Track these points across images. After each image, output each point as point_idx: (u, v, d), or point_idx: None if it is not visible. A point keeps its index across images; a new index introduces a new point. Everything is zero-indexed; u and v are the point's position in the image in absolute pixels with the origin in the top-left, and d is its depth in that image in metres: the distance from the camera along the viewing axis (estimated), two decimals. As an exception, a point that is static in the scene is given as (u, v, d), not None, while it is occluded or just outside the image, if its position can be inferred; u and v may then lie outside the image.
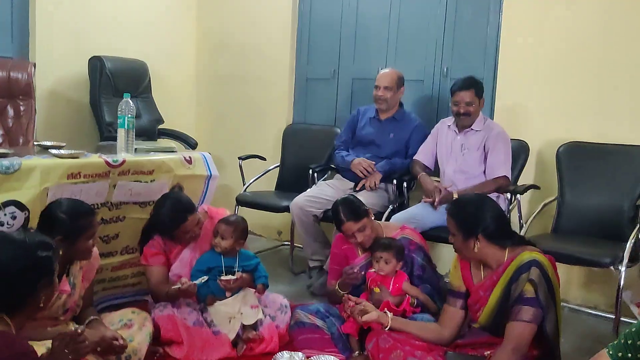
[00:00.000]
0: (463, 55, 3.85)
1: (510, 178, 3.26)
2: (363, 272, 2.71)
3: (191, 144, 4.51)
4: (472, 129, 3.33)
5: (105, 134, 4.13)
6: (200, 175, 3.18)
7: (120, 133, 2.91)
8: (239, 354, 2.52)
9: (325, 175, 3.98)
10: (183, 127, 4.75)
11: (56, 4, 4.08)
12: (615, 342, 1.74)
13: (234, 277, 2.59)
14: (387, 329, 2.33)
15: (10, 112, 3.72)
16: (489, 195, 3.08)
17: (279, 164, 4.32)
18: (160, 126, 4.59)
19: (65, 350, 1.67)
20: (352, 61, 4.35)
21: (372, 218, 2.80)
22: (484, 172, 3.28)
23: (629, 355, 1.69)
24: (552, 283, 2.12)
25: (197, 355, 2.45)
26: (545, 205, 3.27)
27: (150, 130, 4.51)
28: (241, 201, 3.96)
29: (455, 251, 2.31)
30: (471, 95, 3.23)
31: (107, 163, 2.71)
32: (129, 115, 2.93)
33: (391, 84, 3.62)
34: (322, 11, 4.46)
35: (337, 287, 2.75)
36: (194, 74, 5.10)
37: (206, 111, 5.11)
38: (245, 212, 3.75)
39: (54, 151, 2.65)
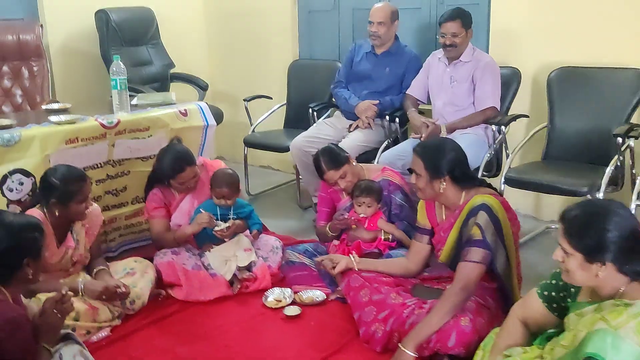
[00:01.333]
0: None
1: (498, 108, 3.28)
2: (347, 214, 2.89)
3: (202, 86, 4.66)
4: (460, 61, 3.33)
5: (119, 84, 4.33)
6: (197, 126, 3.36)
7: (114, 94, 3.10)
8: (234, 293, 2.79)
9: (328, 112, 4.06)
10: (195, 69, 4.89)
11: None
12: (544, 282, 1.88)
13: (226, 225, 2.82)
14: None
15: (25, 73, 3.96)
16: (477, 126, 3.21)
17: (285, 102, 4.42)
18: (172, 70, 4.75)
19: (54, 310, 1.94)
20: (353, -10, 4.32)
21: (353, 163, 2.92)
22: (473, 103, 3.31)
23: (553, 294, 1.83)
24: (502, 225, 2.22)
25: (195, 295, 2.73)
26: (535, 133, 3.29)
27: (163, 75, 4.69)
28: (248, 142, 4.14)
29: (416, 190, 2.41)
30: (457, 26, 3.21)
31: (103, 125, 2.92)
32: (121, 77, 3.09)
33: (385, 18, 3.60)
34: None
35: (327, 228, 2.94)
36: (202, 14, 5.17)
37: (217, 51, 5.21)
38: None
39: (52, 118, 2.87)
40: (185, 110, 3.32)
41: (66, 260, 2.56)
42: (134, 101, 3.44)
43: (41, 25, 4.01)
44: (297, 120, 4.23)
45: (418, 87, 3.52)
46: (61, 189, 2.42)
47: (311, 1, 4.56)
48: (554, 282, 1.84)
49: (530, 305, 1.89)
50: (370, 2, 3.99)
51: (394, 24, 3.65)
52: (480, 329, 2.11)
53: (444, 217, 2.43)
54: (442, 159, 2.30)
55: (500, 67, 3.40)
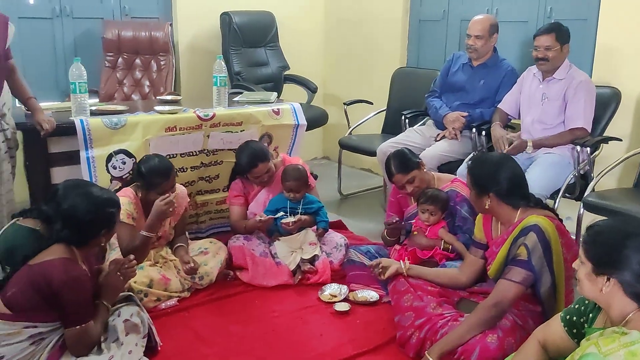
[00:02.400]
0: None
1: (589, 129, 3.14)
2: (411, 222, 2.95)
3: (311, 89, 4.91)
4: (554, 78, 3.23)
5: (234, 82, 4.69)
6: (288, 124, 3.59)
7: (214, 90, 3.41)
8: (294, 282, 2.97)
9: (424, 120, 4.10)
10: (308, 72, 5.14)
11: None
12: (570, 306, 1.84)
13: (293, 220, 3.01)
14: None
15: (154, 66, 4.46)
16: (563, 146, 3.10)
17: (384, 108, 4.52)
18: (287, 72, 5.04)
19: (118, 273, 2.24)
20: (462, 1, 4.33)
21: (424, 170, 2.96)
22: (563, 122, 3.19)
23: (574, 318, 1.80)
24: (552, 249, 2.17)
25: (259, 280, 2.95)
26: (628, 158, 3.10)
27: (277, 76, 5.00)
28: (342, 144, 4.30)
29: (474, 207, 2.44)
30: (551, 39, 3.13)
31: (199, 117, 3.23)
32: (222, 75, 3.40)
33: (482, 32, 3.58)
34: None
35: (384, 233, 3.02)
36: (322, 21, 5.41)
37: (331, 56, 5.43)
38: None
39: (157, 108, 3.24)
40: (278, 109, 3.56)
41: (152, 234, 2.90)
42: (238, 98, 3.76)
43: (170, 24, 4.48)
44: (394, 126, 4.30)
45: (509, 101, 3.46)
46: (146, 178, 2.75)
47: (422, 11, 4.62)
48: (577, 306, 1.80)
49: (552, 328, 1.85)
50: (477, 13, 3.96)
51: (493, 37, 3.61)
52: (507, 348, 2.09)
53: (499, 232, 2.42)
54: (489, 176, 2.29)
55: (601, 86, 3.25)
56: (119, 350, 2.11)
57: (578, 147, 3.04)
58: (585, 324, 1.75)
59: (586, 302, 1.77)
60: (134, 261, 2.30)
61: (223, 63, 3.43)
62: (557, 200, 3.03)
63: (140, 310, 2.32)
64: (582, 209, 2.93)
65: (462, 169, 3.24)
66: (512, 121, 3.55)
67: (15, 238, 2.24)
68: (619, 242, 1.56)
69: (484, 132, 3.47)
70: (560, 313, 1.86)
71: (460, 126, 3.58)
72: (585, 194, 2.94)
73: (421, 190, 2.93)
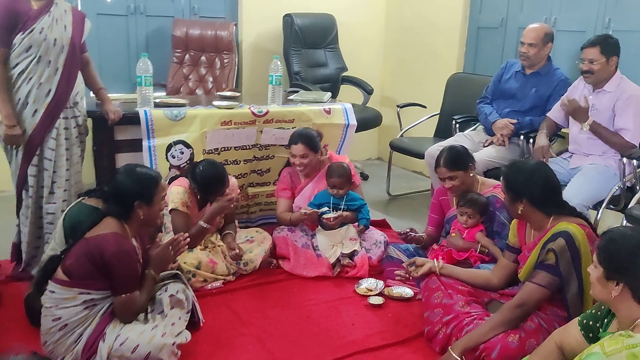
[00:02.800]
0: (626, 6, 3.61)
1: (637, 144, 3.11)
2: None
3: (367, 90, 5.03)
4: (604, 90, 3.22)
5: (293, 81, 4.88)
6: (338, 124, 3.72)
7: (269, 89, 3.59)
8: (333, 275, 3.10)
9: (476, 125, 4.13)
10: (367, 74, 5.27)
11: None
12: (587, 312, 1.89)
13: (334, 215, 3.14)
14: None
15: (218, 64, 4.69)
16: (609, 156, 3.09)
17: (438, 112, 4.58)
18: (344, 73, 5.18)
19: (169, 247, 2.44)
20: (520, 9, 4.34)
21: (470, 173, 3.00)
22: (611, 134, 3.18)
23: (590, 323, 1.85)
24: (582, 256, 2.20)
25: (299, 270, 3.10)
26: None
27: (335, 77, 5.15)
28: (393, 146, 4.40)
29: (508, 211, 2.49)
30: (595, 52, 3.12)
31: (253, 113, 3.42)
32: (277, 74, 3.58)
33: (536, 40, 3.60)
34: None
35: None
36: (382, 24, 5.52)
37: (390, 59, 5.53)
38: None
39: (215, 103, 3.44)
40: (329, 108, 3.70)
41: (204, 221, 3.10)
42: (293, 96, 3.93)
43: (235, 25, 4.71)
44: (446, 130, 4.37)
45: (559, 110, 3.46)
46: (201, 186, 2.95)
47: (481, 18, 4.66)
48: (593, 311, 1.85)
49: (570, 331, 1.90)
50: (534, 21, 3.97)
51: (547, 46, 3.61)
52: (528, 349, 2.15)
53: (532, 238, 2.47)
54: (522, 182, 2.35)
55: (654, 99, 3.21)
56: (163, 322, 2.30)
57: (624, 159, 3.02)
58: (600, 329, 1.80)
59: (602, 307, 1.82)
60: (188, 239, 2.49)
61: (279, 63, 3.60)
62: (600, 211, 3.03)
63: (186, 288, 2.52)
64: (624, 221, 2.91)
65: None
66: (562, 130, 3.55)
67: (79, 215, 2.49)
68: (630, 249, 1.63)
69: (531, 140, 3.49)
70: (578, 317, 1.91)
71: (508, 133, 3.61)
72: (629, 206, 2.93)
73: (461, 192, 2.99)
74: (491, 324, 2.23)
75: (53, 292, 2.22)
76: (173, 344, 2.23)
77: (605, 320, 1.78)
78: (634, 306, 1.62)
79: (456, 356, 2.21)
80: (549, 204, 2.36)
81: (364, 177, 5.04)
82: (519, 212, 2.39)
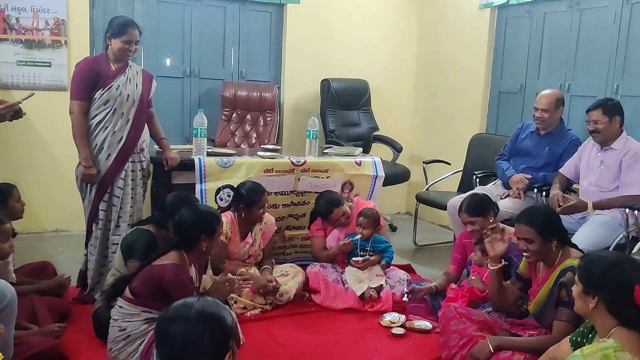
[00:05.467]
0: (632, 74, 3.99)
1: (646, 197, 3.41)
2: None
3: (397, 148, 5.45)
4: (611, 147, 3.55)
5: (329, 138, 5.34)
6: (368, 174, 4.13)
7: (307, 142, 4.04)
8: (361, 308, 3.42)
9: (496, 180, 4.47)
10: (397, 134, 5.69)
11: (301, 41, 5.43)
12: (577, 330, 2.19)
13: (362, 259, 3.51)
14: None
15: (261, 121, 5.20)
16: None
17: (461, 168, 4.95)
18: (376, 133, 5.63)
19: (226, 284, 2.81)
20: (537, 76, 4.76)
21: (491, 219, 3.29)
22: (617, 187, 3.49)
23: (578, 339, 2.14)
24: None
25: (329, 302, 3.44)
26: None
27: (367, 136, 5.59)
28: (419, 198, 4.77)
29: (529, 257, 2.73)
30: (598, 114, 3.48)
31: (292, 163, 3.86)
32: (314, 129, 4.03)
33: (549, 106, 3.96)
34: (513, 32, 4.96)
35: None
36: (412, 90, 6.01)
37: (419, 120, 5.98)
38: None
39: (259, 153, 3.90)
40: (360, 161, 4.12)
41: (244, 252, 3.50)
42: (327, 150, 4.37)
43: (278, 87, 5.25)
44: (469, 185, 4.70)
45: (570, 166, 3.79)
46: (246, 197, 3.38)
47: (502, 84, 5.10)
48: (581, 329, 2.14)
49: (562, 347, 2.19)
50: (550, 87, 4.36)
51: (558, 110, 3.98)
52: (532, 368, 2.43)
53: (541, 273, 2.76)
54: (552, 224, 2.65)
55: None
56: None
57: (627, 210, 3.32)
58: (586, 343, 2.08)
59: (588, 324, 2.11)
60: (241, 285, 2.88)
61: (317, 120, 4.07)
62: (606, 257, 3.30)
63: (230, 309, 2.87)
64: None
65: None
66: (573, 186, 3.87)
67: (133, 237, 2.95)
68: (603, 267, 1.93)
69: (544, 193, 3.81)
70: (570, 336, 2.20)
71: (523, 187, 3.94)
72: (631, 253, 3.20)
73: (479, 235, 3.31)
74: (528, 343, 2.54)
75: (121, 307, 2.61)
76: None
77: (590, 335, 2.08)
78: (608, 318, 1.90)
79: (491, 347, 2.54)
80: (565, 239, 2.67)
81: (393, 229, 5.39)
82: (553, 249, 2.64)
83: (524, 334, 2.76)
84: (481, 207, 3.32)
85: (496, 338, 2.63)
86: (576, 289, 2.00)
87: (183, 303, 1.56)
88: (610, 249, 3.32)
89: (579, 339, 2.14)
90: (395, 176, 5.16)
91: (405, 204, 6.11)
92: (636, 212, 3.32)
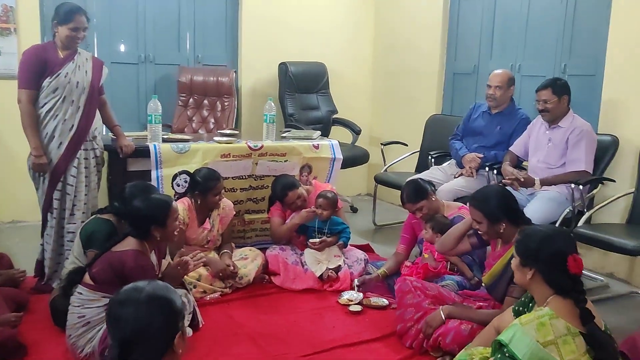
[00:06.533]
0: (579, 54, 4.13)
1: (591, 172, 3.54)
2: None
3: (355, 131, 5.51)
4: (558, 125, 3.67)
5: (287, 122, 5.36)
6: (326, 157, 4.18)
7: (264, 127, 4.07)
8: (320, 288, 3.49)
9: (450, 161, 4.57)
10: (356, 116, 5.75)
11: (257, 24, 5.42)
12: (519, 300, 2.30)
13: (318, 240, 3.58)
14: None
15: (219, 106, 5.19)
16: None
17: (419, 149, 5.04)
18: (335, 116, 5.68)
19: (178, 267, 2.83)
20: (490, 57, 4.86)
21: (432, 199, 3.41)
22: (564, 164, 3.62)
23: (520, 308, 2.25)
24: None
25: (289, 284, 3.50)
26: (619, 197, 3.49)
27: (326, 119, 5.64)
28: (378, 179, 4.85)
29: (483, 236, 2.81)
30: (548, 93, 3.59)
31: (250, 147, 3.88)
32: (271, 114, 4.06)
33: (501, 83, 4.08)
34: (466, 14, 5.06)
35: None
36: (370, 72, 6.07)
37: (377, 102, 6.06)
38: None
39: (215, 138, 3.91)
40: (318, 144, 4.16)
41: (202, 238, 3.52)
42: (285, 134, 4.39)
43: (235, 72, 5.24)
44: (425, 165, 4.81)
45: (519, 145, 3.91)
46: (201, 184, 3.40)
47: (456, 65, 5.20)
48: (523, 299, 2.25)
49: (505, 317, 2.29)
50: (503, 68, 4.48)
51: (510, 88, 4.10)
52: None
53: (499, 247, 2.83)
54: (498, 206, 2.70)
55: (603, 134, 3.67)
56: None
57: (572, 185, 3.45)
58: (527, 312, 2.19)
59: (528, 294, 2.21)
60: (195, 265, 2.89)
61: (273, 104, 4.09)
62: (553, 231, 3.43)
63: (188, 293, 2.91)
64: (573, 239, 3.32)
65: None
66: (523, 163, 3.99)
67: (94, 227, 2.94)
68: (538, 240, 2.04)
69: (495, 171, 3.93)
70: (513, 305, 2.30)
71: (476, 166, 4.05)
72: (576, 226, 3.34)
73: (430, 214, 3.41)
74: (478, 314, 2.64)
75: (81, 293, 2.62)
76: (176, 335, 2.61)
77: (530, 304, 2.18)
78: (544, 287, 2.02)
79: (443, 315, 2.66)
80: (519, 217, 2.74)
81: (354, 210, 5.47)
82: (501, 231, 2.71)
83: (473, 305, 2.86)
84: (420, 192, 3.40)
85: (448, 307, 2.75)
86: (514, 261, 2.10)
87: (134, 287, 1.59)
88: (557, 223, 3.45)
89: (520, 308, 2.24)
90: (355, 158, 5.23)
91: (366, 186, 6.19)
92: (581, 187, 3.45)
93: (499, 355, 1.92)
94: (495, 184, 3.84)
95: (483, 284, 2.89)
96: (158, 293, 1.55)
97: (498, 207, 2.73)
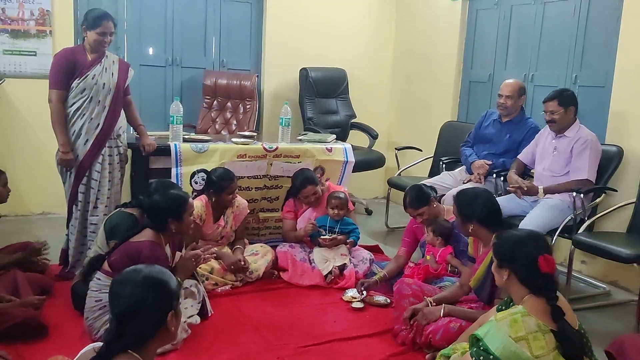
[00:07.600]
0: (590, 66, 4.20)
1: (594, 181, 3.62)
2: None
3: (372, 135, 5.66)
4: (564, 135, 3.76)
5: (306, 125, 5.54)
6: (338, 160, 4.33)
7: (280, 129, 4.25)
8: (326, 282, 3.66)
9: (462, 167, 4.68)
10: (375, 121, 5.90)
11: (280, 31, 5.62)
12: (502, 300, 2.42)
13: (329, 237, 3.74)
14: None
15: (241, 109, 5.40)
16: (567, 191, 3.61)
17: (432, 155, 5.16)
18: (353, 120, 5.83)
19: (192, 259, 3.02)
20: (504, 67, 4.96)
21: (434, 205, 3.53)
22: (568, 172, 3.70)
23: (502, 307, 2.36)
24: None
25: (296, 280, 3.67)
26: (621, 207, 3.57)
27: (344, 123, 5.80)
28: (391, 183, 4.99)
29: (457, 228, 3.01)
30: (554, 104, 3.68)
31: (265, 148, 4.06)
32: (286, 117, 4.24)
33: (512, 92, 4.18)
34: (482, 24, 5.16)
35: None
36: (389, 78, 6.21)
37: (396, 107, 6.19)
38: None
39: (233, 140, 4.11)
40: (331, 147, 4.32)
41: (217, 233, 3.71)
42: (301, 137, 4.57)
43: (258, 76, 5.44)
44: (438, 171, 4.92)
45: (527, 153, 4.01)
46: (216, 183, 3.59)
47: (472, 73, 5.30)
48: (505, 298, 2.37)
49: (489, 315, 2.41)
50: (516, 78, 4.57)
51: (521, 98, 4.19)
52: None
53: (480, 251, 2.99)
54: (470, 207, 2.87)
55: (609, 144, 3.75)
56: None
57: (574, 193, 3.53)
58: (507, 310, 2.31)
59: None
60: (206, 255, 3.08)
61: (289, 108, 4.28)
62: (554, 238, 3.52)
63: (198, 283, 3.11)
64: (572, 246, 3.41)
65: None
66: (531, 171, 4.08)
67: (118, 219, 3.13)
68: (512, 243, 2.17)
69: (502, 178, 4.03)
70: (497, 305, 2.43)
71: (484, 172, 4.15)
72: (576, 234, 3.43)
73: (431, 219, 3.53)
74: (475, 315, 2.73)
75: (99, 279, 2.83)
76: (184, 322, 2.80)
77: (511, 304, 2.30)
78: (520, 287, 2.14)
79: (442, 312, 2.81)
80: (494, 223, 2.88)
81: (369, 212, 5.62)
82: (470, 230, 2.92)
83: (465, 306, 2.99)
84: (422, 198, 3.51)
85: (448, 306, 2.86)
86: (493, 264, 2.22)
87: (134, 269, 1.78)
88: (559, 231, 3.55)
89: (502, 307, 2.36)
90: (371, 162, 5.38)
91: (382, 189, 6.32)
92: (582, 195, 3.53)
93: (475, 349, 2.05)
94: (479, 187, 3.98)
95: (471, 288, 3.01)
96: (153, 275, 1.74)
97: (471, 209, 2.88)
